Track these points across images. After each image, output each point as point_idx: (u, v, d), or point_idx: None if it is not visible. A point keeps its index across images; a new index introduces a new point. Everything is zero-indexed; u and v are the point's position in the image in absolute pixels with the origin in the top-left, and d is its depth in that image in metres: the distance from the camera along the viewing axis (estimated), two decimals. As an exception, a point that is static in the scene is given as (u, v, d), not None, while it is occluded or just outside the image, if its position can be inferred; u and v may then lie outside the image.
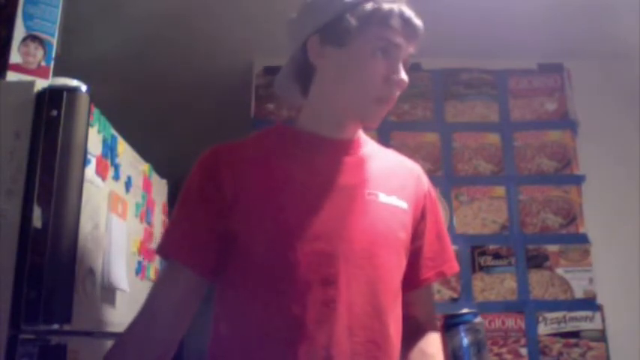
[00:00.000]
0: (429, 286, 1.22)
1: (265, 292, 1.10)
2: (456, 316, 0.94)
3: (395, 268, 1.16)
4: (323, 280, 1.07)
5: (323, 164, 1.17)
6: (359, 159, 1.20)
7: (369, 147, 1.26)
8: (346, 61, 1.14)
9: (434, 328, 1.19)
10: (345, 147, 1.20)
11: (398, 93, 1.16)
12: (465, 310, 0.95)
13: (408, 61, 1.18)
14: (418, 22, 1.16)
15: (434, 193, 1.30)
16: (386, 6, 1.13)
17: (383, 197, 1.16)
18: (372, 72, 1.13)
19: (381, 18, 1.12)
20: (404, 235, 1.17)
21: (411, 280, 1.18)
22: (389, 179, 1.20)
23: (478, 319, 0.94)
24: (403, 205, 1.18)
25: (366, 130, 1.28)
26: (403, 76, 1.15)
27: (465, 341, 0.93)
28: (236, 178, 1.14)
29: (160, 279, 1.20)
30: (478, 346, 0.93)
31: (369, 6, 1.13)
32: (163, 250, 1.20)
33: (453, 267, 1.23)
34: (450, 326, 0.94)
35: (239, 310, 1.14)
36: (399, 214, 1.17)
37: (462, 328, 0.93)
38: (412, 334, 1.13)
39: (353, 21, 1.12)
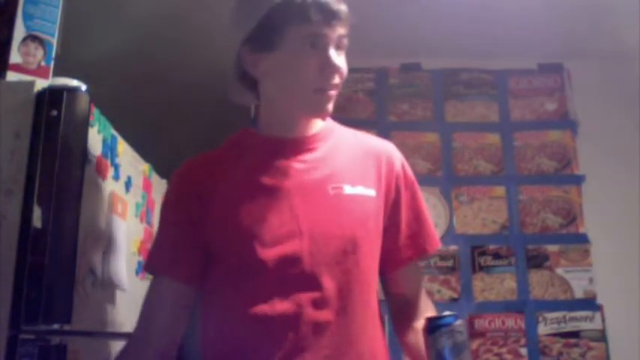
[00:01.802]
0: (414, 264, 1.24)
1: (239, 296, 1.16)
2: (437, 319, 0.99)
3: (367, 258, 1.18)
4: (292, 281, 1.09)
5: (284, 165, 1.18)
6: (320, 154, 1.20)
7: (333, 138, 1.25)
8: (279, 64, 1.17)
9: (424, 303, 1.21)
10: (304, 144, 1.21)
11: (338, 80, 1.17)
12: (446, 313, 0.99)
13: (343, 43, 1.18)
14: (337, 3, 1.14)
15: (408, 171, 1.29)
16: (298, 0, 1.11)
17: (348, 189, 1.16)
18: (304, 68, 1.14)
19: (298, 14, 1.12)
20: (373, 223, 1.18)
21: (394, 260, 1.21)
22: (353, 169, 1.19)
23: (459, 322, 0.98)
24: (371, 192, 1.18)
25: (320, 120, 1.28)
26: (337, 62, 1.15)
27: (447, 344, 0.97)
28: (206, 190, 1.19)
29: (151, 290, 1.22)
30: (459, 347, 0.97)
31: (283, 5, 1.13)
32: (150, 266, 1.27)
33: (434, 243, 1.25)
34: (432, 329, 0.97)
35: (218, 313, 1.18)
36: (367, 203, 1.17)
37: (443, 330, 0.96)
38: (401, 311, 1.18)
39: (273, 25, 1.14)
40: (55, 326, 1.44)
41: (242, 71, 1.29)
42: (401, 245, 1.22)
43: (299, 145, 1.21)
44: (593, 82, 2.99)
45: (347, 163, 1.20)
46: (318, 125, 1.25)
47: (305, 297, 1.09)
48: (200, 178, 1.22)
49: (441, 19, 2.64)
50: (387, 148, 1.29)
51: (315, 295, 1.09)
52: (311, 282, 1.10)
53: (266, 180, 1.18)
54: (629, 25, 2.63)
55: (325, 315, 1.09)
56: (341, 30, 1.15)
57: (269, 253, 1.12)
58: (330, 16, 1.13)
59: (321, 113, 1.19)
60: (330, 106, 1.17)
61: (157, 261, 1.24)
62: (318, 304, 1.09)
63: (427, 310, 1.20)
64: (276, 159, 1.20)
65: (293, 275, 1.10)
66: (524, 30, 2.72)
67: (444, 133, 2.93)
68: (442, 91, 2.99)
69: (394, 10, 2.59)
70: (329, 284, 1.10)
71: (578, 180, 2.87)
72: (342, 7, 1.15)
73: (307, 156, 1.20)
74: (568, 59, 3.03)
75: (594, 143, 2.90)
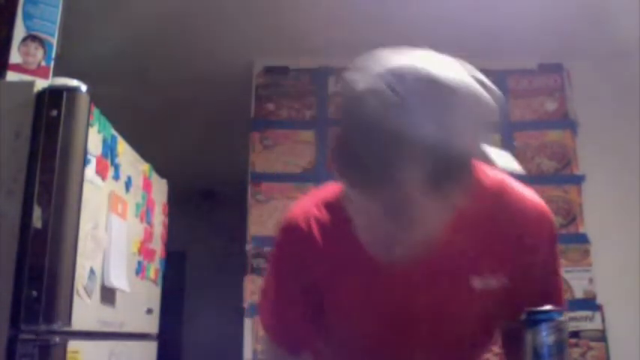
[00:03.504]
0: None
1: None
2: (539, 313, 0.91)
3: (485, 341, 1.12)
4: None
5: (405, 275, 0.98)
6: (448, 244, 0.96)
7: (469, 215, 0.94)
8: None
9: None
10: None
11: (407, 235, 0.90)
12: (549, 307, 0.91)
13: (403, 202, 0.84)
14: (378, 167, 0.82)
15: (554, 237, 1.09)
16: (352, 138, 0.84)
17: (476, 283, 0.98)
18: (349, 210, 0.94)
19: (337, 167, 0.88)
20: (500, 311, 1.02)
21: (515, 316, 1.00)
22: (488, 255, 0.99)
23: (562, 318, 0.90)
24: (502, 280, 0.99)
25: None
26: (386, 237, 0.90)
27: (548, 340, 0.89)
28: (317, 273, 1.04)
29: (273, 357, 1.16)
30: (560, 345, 0.89)
31: (336, 148, 0.89)
32: (272, 335, 1.13)
33: (559, 305, 1.02)
34: (532, 322, 0.90)
35: None
36: (496, 296, 0.99)
37: (544, 325, 0.89)
38: (514, 341, 0.99)
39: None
40: (55, 326, 1.44)
41: None
42: (525, 305, 0.99)
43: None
44: (593, 82, 2.99)
45: (481, 247, 0.98)
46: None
47: None
48: (315, 259, 1.03)
49: (441, 19, 2.64)
50: (530, 214, 1.04)
51: None
52: None
53: (385, 280, 1.00)
54: (629, 25, 2.63)
55: None
56: (389, 198, 0.84)
57: (379, 347, 1.03)
58: (366, 189, 0.85)
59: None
60: (402, 255, 0.93)
61: (278, 334, 1.11)
62: None
63: None
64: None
65: None
66: (524, 30, 2.73)
67: (444, 133, 2.93)
68: (442, 91, 2.98)
69: (394, 11, 2.59)
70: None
71: (578, 180, 2.87)
72: (386, 180, 0.82)
73: (435, 248, 0.96)
74: (568, 59, 3.02)
75: (594, 143, 2.90)
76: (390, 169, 0.80)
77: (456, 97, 0.81)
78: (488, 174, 1.02)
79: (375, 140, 0.79)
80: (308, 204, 1.06)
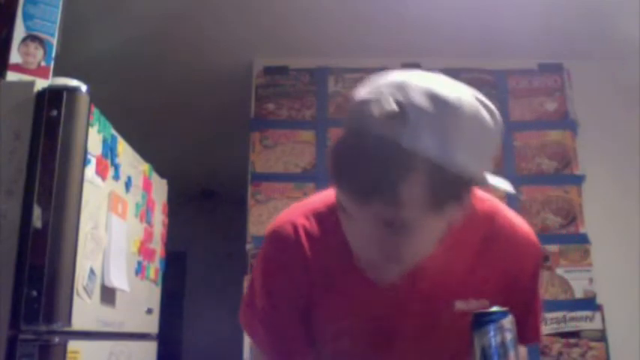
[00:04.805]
0: None
1: None
2: (485, 314, 0.92)
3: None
4: None
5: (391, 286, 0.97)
6: (435, 268, 0.96)
7: (457, 239, 0.95)
8: None
9: None
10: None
11: (381, 260, 0.88)
12: (495, 309, 0.92)
13: (392, 221, 0.81)
14: (372, 187, 0.79)
15: (537, 273, 1.08)
16: (346, 152, 0.82)
17: (459, 305, 0.98)
18: (350, 241, 0.91)
19: (334, 173, 0.84)
20: None
21: None
22: (473, 280, 1.00)
23: (509, 318, 0.91)
24: (484, 303, 0.98)
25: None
26: (366, 247, 0.87)
27: (494, 340, 0.90)
28: (306, 285, 1.02)
29: None
30: (507, 346, 0.90)
31: (332, 158, 0.85)
32: (263, 347, 1.09)
33: (533, 338, 1.09)
34: (479, 325, 0.91)
35: None
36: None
37: (491, 327, 0.90)
38: None
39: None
40: (55, 326, 1.44)
41: None
42: None
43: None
44: (593, 82, 2.99)
45: (466, 273, 0.99)
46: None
47: None
48: (300, 269, 1.02)
49: (441, 19, 2.64)
50: (519, 243, 1.04)
51: None
52: None
53: (370, 300, 1.00)
54: (629, 25, 2.63)
55: None
56: (386, 209, 0.80)
57: None
58: (360, 197, 0.81)
59: (382, 283, 0.94)
60: (391, 276, 0.92)
61: (268, 344, 1.08)
62: None
63: None
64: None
65: None
66: (525, 30, 2.72)
67: (444, 133, 2.93)
68: (442, 91, 2.98)
69: (394, 11, 2.59)
70: None
71: (578, 180, 2.87)
72: (382, 190, 0.78)
73: (422, 271, 0.96)
74: (568, 59, 3.03)
75: (594, 143, 2.90)
76: (390, 177, 0.77)
77: (459, 115, 0.79)
78: (482, 198, 1.02)
79: (375, 147, 0.77)
80: (296, 213, 1.04)
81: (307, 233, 1.01)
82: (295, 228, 1.01)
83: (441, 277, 0.97)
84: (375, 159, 0.77)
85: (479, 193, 1.00)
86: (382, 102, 0.78)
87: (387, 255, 0.87)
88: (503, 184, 0.88)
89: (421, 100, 0.77)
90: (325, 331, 1.05)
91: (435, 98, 0.78)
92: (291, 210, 1.06)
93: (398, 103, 0.77)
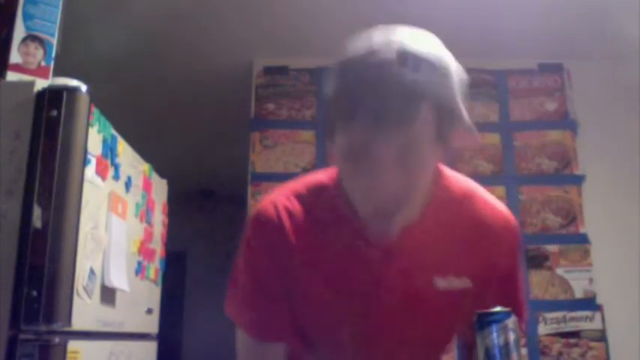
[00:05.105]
0: None
1: None
2: (489, 314, 0.92)
3: (444, 343, 1.13)
4: None
5: (374, 255, 1.00)
6: (416, 242, 1.00)
7: (437, 215, 1.01)
8: (336, 159, 0.97)
9: None
10: (399, 235, 1.00)
11: (385, 201, 0.91)
12: (498, 309, 0.92)
13: (404, 152, 0.86)
14: (395, 107, 0.85)
15: (517, 252, 1.11)
16: (353, 84, 0.88)
17: (440, 283, 1.00)
18: (347, 177, 0.94)
19: (342, 110, 0.89)
20: (461, 313, 1.03)
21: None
22: (453, 257, 1.02)
23: (512, 319, 0.92)
24: (465, 282, 1.02)
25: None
26: (378, 187, 0.88)
27: (498, 341, 0.90)
28: (288, 261, 1.04)
29: (249, 349, 1.10)
30: (511, 347, 0.91)
31: (335, 94, 0.91)
32: (250, 329, 1.10)
33: (519, 320, 1.05)
34: (483, 325, 0.91)
35: None
36: (458, 297, 1.02)
37: (494, 327, 0.90)
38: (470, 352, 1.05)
39: (328, 116, 0.94)
40: (55, 326, 1.44)
41: None
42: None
43: (390, 235, 1.00)
44: (593, 82, 2.99)
45: (445, 248, 1.02)
46: (419, 200, 1.00)
47: None
48: (282, 244, 1.04)
49: (441, 19, 2.63)
50: (497, 223, 1.06)
51: None
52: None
53: (351, 271, 1.03)
54: (629, 25, 2.63)
55: None
56: (397, 138, 0.86)
57: (343, 343, 1.05)
58: (380, 122, 0.85)
59: (382, 221, 0.96)
60: (392, 211, 0.93)
61: (256, 327, 1.09)
62: None
63: None
64: (366, 250, 1.01)
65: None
66: (525, 30, 2.72)
67: (443, 133, 2.93)
68: (442, 91, 2.98)
69: (394, 11, 2.59)
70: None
71: (578, 180, 2.87)
72: (402, 111, 0.85)
73: (402, 245, 1.00)
74: (568, 59, 3.03)
75: (594, 143, 2.90)
76: (406, 104, 0.85)
77: (448, 61, 0.91)
78: (458, 180, 1.07)
79: (390, 78, 0.85)
80: (277, 195, 1.07)
81: (289, 213, 1.05)
82: (276, 208, 1.05)
83: (420, 254, 1.01)
84: (393, 87, 0.85)
85: (458, 175, 1.07)
86: (386, 48, 0.87)
87: (393, 189, 0.90)
88: (475, 130, 0.95)
89: (418, 47, 0.88)
90: (308, 310, 1.06)
91: (425, 42, 0.91)
92: (272, 193, 1.09)
93: (400, 49, 0.87)
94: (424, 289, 1.01)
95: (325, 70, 1.03)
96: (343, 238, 1.02)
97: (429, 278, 1.01)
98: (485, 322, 0.91)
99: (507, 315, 0.91)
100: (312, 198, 1.05)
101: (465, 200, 1.06)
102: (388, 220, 0.96)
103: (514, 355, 0.90)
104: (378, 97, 0.85)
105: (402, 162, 0.87)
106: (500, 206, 1.09)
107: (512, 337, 0.90)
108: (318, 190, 1.07)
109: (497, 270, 1.06)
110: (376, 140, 0.86)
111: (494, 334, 0.89)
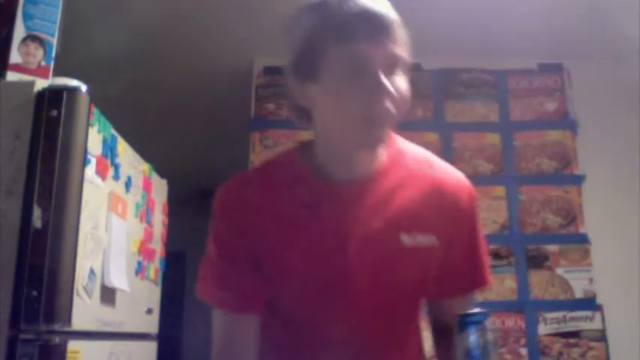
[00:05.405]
0: (462, 298, 1.17)
1: (289, 342, 1.13)
2: (468, 316, 0.94)
3: (414, 306, 1.15)
4: (340, 340, 1.08)
5: (337, 212, 1.05)
6: (378, 199, 1.06)
7: (397, 174, 1.09)
8: (324, 93, 1.00)
9: None
10: (361, 188, 1.07)
11: (391, 106, 0.97)
12: (476, 310, 0.94)
13: (398, 63, 0.99)
14: (386, 15, 0.97)
15: (475, 209, 1.15)
16: (339, 13, 0.96)
17: (406, 239, 1.05)
18: (349, 96, 0.97)
19: (338, 30, 0.96)
20: (429, 273, 1.10)
21: (440, 292, 1.14)
22: (416, 215, 1.07)
23: (489, 319, 0.95)
24: (431, 241, 1.07)
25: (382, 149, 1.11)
26: (386, 84, 0.96)
27: (478, 342, 0.93)
28: (253, 229, 1.08)
29: (222, 325, 1.12)
30: (489, 347, 0.93)
31: (324, 22, 0.98)
32: (220, 303, 1.13)
33: (482, 282, 1.17)
34: (462, 326, 0.93)
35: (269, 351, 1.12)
36: (425, 255, 1.07)
37: (474, 328, 0.93)
38: (444, 337, 1.09)
39: (314, 47, 0.98)
40: (55, 326, 1.45)
41: (294, 104, 1.11)
42: (450, 280, 1.13)
43: (355, 191, 1.07)
44: (593, 82, 2.99)
45: (409, 207, 1.07)
46: (381, 157, 1.09)
47: (352, 354, 1.09)
48: (245, 213, 1.09)
49: (441, 19, 2.64)
50: (460, 187, 1.13)
51: (361, 347, 1.09)
52: (357, 340, 1.08)
53: (316, 229, 1.06)
54: (629, 26, 2.63)
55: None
56: (393, 48, 0.97)
57: (315, 311, 1.08)
58: (378, 32, 0.96)
59: (371, 145, 1.04)
60: (383, 136, 1.01)
61: (221, 299, 1.12)
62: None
63: None
64: (329, 204, 1.06)
65: (339, 333, 1.08)
66: (525, 30, 2.73)
67: (443, 133, 2.93)
68: (442, 91, 2.99)
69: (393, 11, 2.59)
70: (375, 334, 1.09)
71: (578, 180, 2.87)
72: (393, 20, 0.98)
73: (364, 201, 1.06)
74: (568, 59, 3.03)
75: (594, 143, 2.90)
76: (395, 23, 0.99)
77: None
78: (414, 146, 1.16)
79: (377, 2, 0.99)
80: (239, 174, 1.15)
81: (250, 182, 1.13)
82: (238, 182, 1.12)
83: (382, 207, 1.06)
84: (384, 7, 0.98)
85: (413, 143, 1.16)
86: None
87: (393, 99, 0.98)
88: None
89: None
90: (282, 279, 1.09)
91: None
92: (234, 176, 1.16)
93: None
94: (392, 246, 1.05)
95: (293, 16, 1.10)
96: (305, 196, 1.07)
97: (395, 234, 1.05)
98: (464, 322, 0.93)
99: (484, 316, 0.94)
100: (268, 168, 1.15)
101: (423, 163, 1.13)
102: (368, 155, 1.06)
103: (493, 355, 0.92)
104: (371, 11, 0.96)
105: (396, 79, 0.98)
106: (458, 172, 1.15)
107: (490, 337, 0.93)
108: (272, 162, 1.16)
109: (460, 231, 1.11)
110: (372, 56, 0.96)
111: (474, 335, 0.92)
